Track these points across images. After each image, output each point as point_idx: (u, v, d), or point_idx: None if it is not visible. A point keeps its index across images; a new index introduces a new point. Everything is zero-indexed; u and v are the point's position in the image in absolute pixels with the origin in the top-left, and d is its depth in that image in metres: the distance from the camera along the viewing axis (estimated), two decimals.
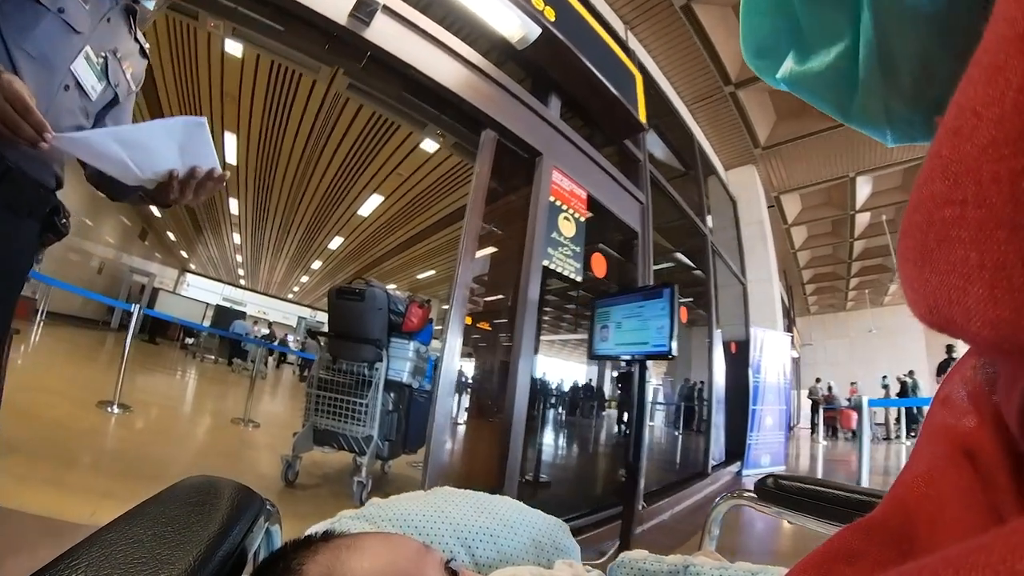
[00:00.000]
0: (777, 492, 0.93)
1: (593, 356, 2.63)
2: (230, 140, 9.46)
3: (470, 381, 3.85)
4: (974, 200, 0.18)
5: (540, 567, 0.70)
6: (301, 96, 7.19)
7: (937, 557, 0.17)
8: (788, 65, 0.45)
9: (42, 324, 10.41)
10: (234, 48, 6.51)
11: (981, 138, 0.17)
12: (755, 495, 0.98)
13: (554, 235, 3.42)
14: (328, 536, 0.57)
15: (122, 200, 1.45)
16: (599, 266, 3.89)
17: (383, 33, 2.80)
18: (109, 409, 4.27)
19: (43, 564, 0.33)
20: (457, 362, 2.67)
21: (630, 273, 4.33)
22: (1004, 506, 0.23)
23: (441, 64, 3.04)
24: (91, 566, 0.34)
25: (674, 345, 2.12)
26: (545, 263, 3.30)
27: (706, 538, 1.09)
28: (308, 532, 0.60)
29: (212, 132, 1.18)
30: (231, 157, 10.23)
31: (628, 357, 2.41)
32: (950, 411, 0.30)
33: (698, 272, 7.15)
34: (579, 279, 3.52)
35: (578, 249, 3.59)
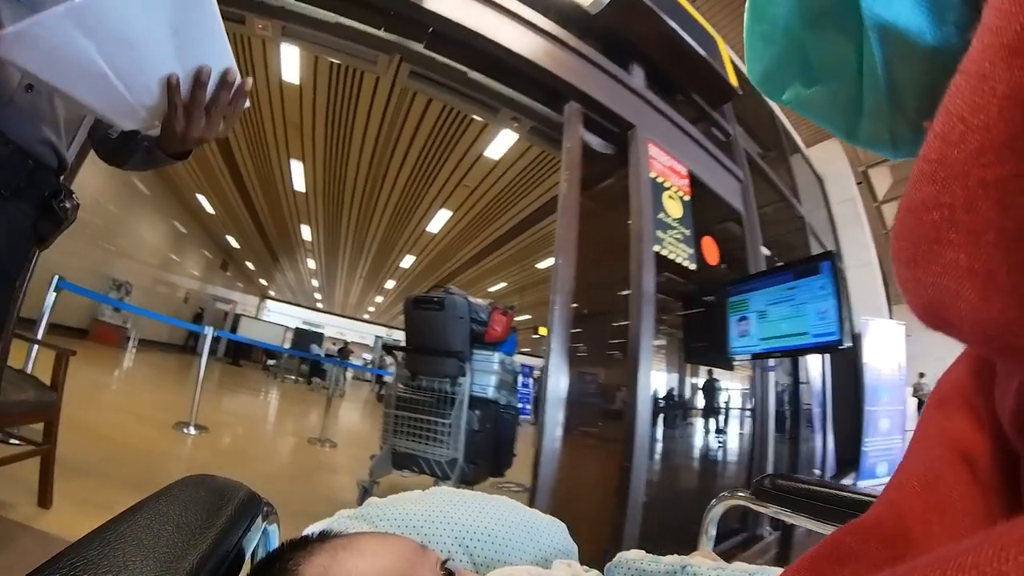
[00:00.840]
0: (774, 492, 0.93)
1: (728, 358, 2.15)
2: (296, 168, 9.60)
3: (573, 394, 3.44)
4: (963, 205, 0.18)
5: (538, 567, 0.68)
6: (363, 109, 7.09)
7: (927, 558, 0.18)
8: (795, 90, 0.45)
9: (134, 351, 11.20)
10: (291, 75, 6.62)
11: (968, 144, 0.18)
12: (752, 495, 0.97)
13: (661, 216, 2.97)
14: (324, 536, 0.56)
15: (127, 162, 1.21)
16: (711, 251, 3.38)
17: (444, 2, 2.47)
18: (185, 430, 4.21)
19: None
20: (565, 372, 2.24)
21: (732, 261, 3.79)
22: (997, 506, 0.23)
23: (511, 33, 2.67)
24: (88, 564, 0.33)
25: (845, 331, 1.63)
26: (656, 249, 2.84)
27: (703, 538, 1.08)
28: (306, 532, 0.59)
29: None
30: (299, 184, 10.35)
31: (780, 353, 1.92)
32: (945, 413, 0.30)
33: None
34: (693, 267, 3.03)
35: (688, 232, 3.12)
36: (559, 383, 2.22)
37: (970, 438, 0.27)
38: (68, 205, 1.13)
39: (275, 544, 0.59)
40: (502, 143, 6.98)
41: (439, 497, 0.77)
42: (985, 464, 0.25)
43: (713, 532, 1.07)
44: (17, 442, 2.20)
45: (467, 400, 3.09)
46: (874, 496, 0.69)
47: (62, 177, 1.19)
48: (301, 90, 6.99)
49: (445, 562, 0.56)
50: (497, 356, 3.34)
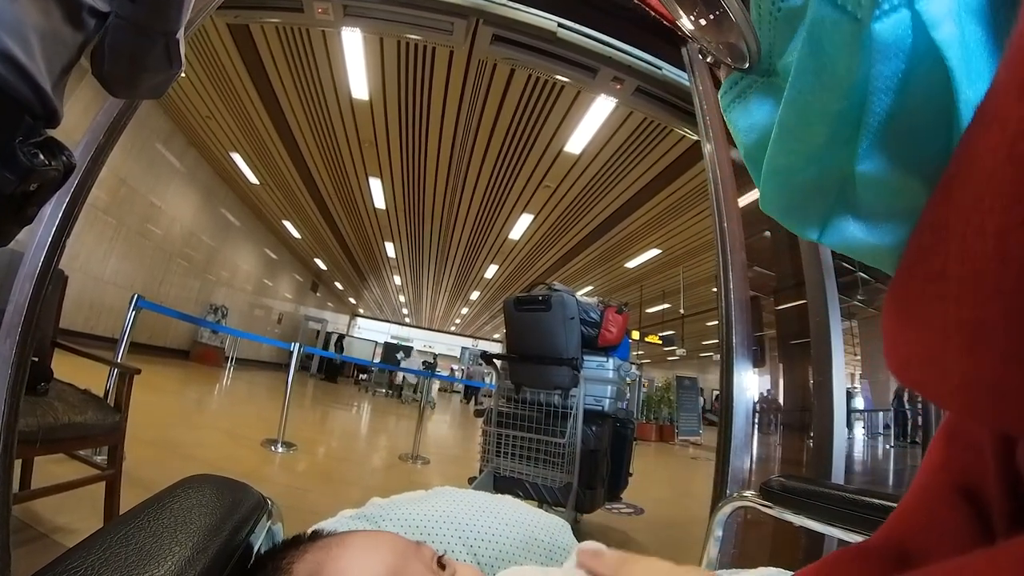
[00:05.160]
0: (782, 493, 0.91)
1: None
2: (376, 185, 9.65)
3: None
4: (957, 254, 0.17)
5: (544, 567, 0.70)
6: (435, 115, 6.87)
7: (922, 571, 0.18)
8: (840, 234, 0.31)
9: (232, 370, 11.94)
10: (360, 91, 6.56)
11: (970, 191, 0.17)
12: (759, 496, 0.95)
13: None
14: (316, 535, 0.56)
15: (118, 63, 0.95)
16: None
17: None
18: (273, 448, 4.11)
19: None
20: (750, 374, 1.71)
21: None
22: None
23: None
24: (91, 567, 0.33)
25: None
26: None
27: (710, 540, 1.06)
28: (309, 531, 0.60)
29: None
30: (379, 202, 10.40)
31: None
32: (951, 445, 0.29)
33: None
34: None
35: None
36: (743, 388, 1.67)
37: (977, 475, 0.25)
38: (43, 156, 0.78)
39: None
40: (585, 132, 6.55)
41: (442, 497, 0.78)
42: (989, 503, 0.24)
43: (720, 533, 1.06)
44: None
45: (582, 415, 2.62)
46: (879, 497, 0.75)
47: (46, 127, 0.86)
48: (372, 106, 6.93)
49: (441, 557, 0.55)
50: (612, 362, 2.86)
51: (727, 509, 1.05)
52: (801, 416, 2.08)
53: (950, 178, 0.19)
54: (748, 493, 1.00)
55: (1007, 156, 0.15)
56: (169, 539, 0.38)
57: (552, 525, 0.79)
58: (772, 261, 2.17)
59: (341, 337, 19.90)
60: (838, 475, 1.69)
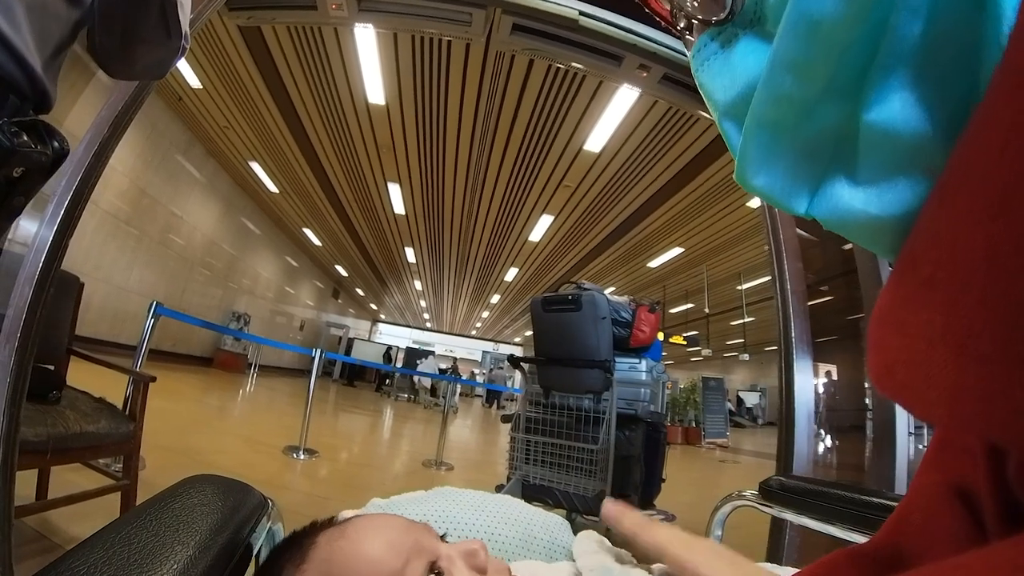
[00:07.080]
0: (781, 493, 0.91)
1: None
2: (394, 190, 9.60)
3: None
4: (946, 263, 0.17)
5: (543, 563, 0.69)
6: (452, 116, 6.79)
7: (917, 571, 0.19)
8: (834, 203, 0.26)
9: (255, 376, 11.98)
10: (376, 96, 6.52)
11: (962, 198, 0.17)
12: (759, 495, 0.96)
13: None
14: (333, 520, 0.58)
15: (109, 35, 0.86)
16: None
17: None
18: (295, 455, 4.05)
19: None
20: (810, 374, 1.57)
21: None
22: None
23: None
24: (94, 565, 0.33)
25: None
26: None
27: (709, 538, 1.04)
28: None
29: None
30: (399, 207, 10.37)
31: None
32: (949, 450, 0.29)
33: None
34: None
35: None
36: (805, 388, 1.53)
37: (967, 475, 0.25)
38: (28, 137, 0.70)
39: None
40: (605, 128, 6.42)
41: (442, 497, 0.79)
42: (983, 507, 0.24)
43: (719, 533, 1.05)
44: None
45: (615, 419, 2.50)
46: (878, 497, 0.78)
47: (36, 111, 0.77)
48: (388, 110, 6.88)
49: (444, 536, 0.57)
50: (644, 364, 2.73)
51: (726, 509, 1.05)
52: (852, 416, 1.94)
53: (943, 184, 0.18)
54: (747, 492, 1.00)
55: (996, 162, 0.15)
56: (171, 538, 0.38)
57: (551, 523, 0.80)
58: (818, 249, 2.03)
59: (389, 348, 19.96)
60: (901, 481, 1.55)
